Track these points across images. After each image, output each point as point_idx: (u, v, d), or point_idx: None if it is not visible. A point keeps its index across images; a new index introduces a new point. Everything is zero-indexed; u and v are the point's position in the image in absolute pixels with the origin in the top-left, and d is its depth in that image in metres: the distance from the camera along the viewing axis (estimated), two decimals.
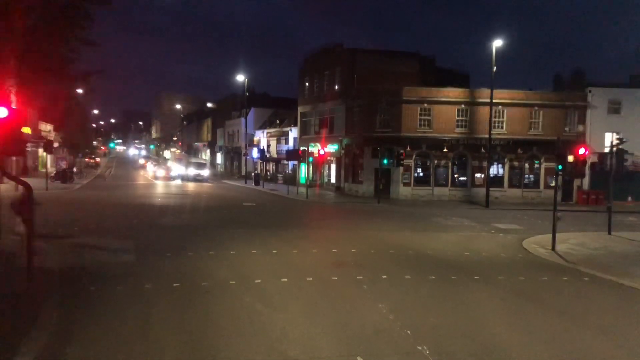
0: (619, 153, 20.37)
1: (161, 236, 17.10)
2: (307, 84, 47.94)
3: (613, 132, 33.55)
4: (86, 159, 67.84)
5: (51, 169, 43.86)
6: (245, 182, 50.55)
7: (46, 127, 58.04)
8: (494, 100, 32.96)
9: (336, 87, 42.77)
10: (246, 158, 56.56)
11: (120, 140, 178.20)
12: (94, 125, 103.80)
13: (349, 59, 41.15)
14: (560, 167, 16.89)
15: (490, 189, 33.89)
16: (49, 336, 7.34)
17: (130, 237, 16.50)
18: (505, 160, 37.30)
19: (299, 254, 14.55)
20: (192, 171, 51.64)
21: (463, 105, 36.43)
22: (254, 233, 18.20)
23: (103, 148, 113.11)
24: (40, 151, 51.83)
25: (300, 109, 48.73)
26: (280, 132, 56.73)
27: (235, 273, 11.75)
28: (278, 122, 59.14)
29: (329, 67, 43.98)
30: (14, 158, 36.79)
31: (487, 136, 33.59)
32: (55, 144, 51.11)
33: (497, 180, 36.74)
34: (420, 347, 7.39)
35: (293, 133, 52.19)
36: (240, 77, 54.19)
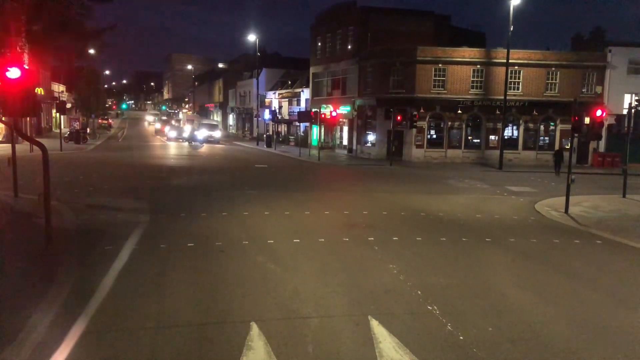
0: (637, 114, 19.96)
1: (175, 197, 17.29)
2: (319, 44, 47.12)
3: (632, 93, 32.84)
4: (99, 120, 68.06)
5: (65, 130, 44.15)
6: (257, 144, 50.55)
7: (58, 88, 58.17)
8: (510, 61, 32.24)
9: (349, 46, 42.02)
10: (258, 119, 56.36)
11: (132, 102, 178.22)
12: (106, 86, 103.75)
13: (362, 17, 40.25)
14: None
15: (504, 151, 33.56)
16: (68, 293, 7.54)
17: (144, 197, 16.71)
18: (520, 122, 36.79)
19: (311, 215, 14.66)
20: (203, 132, 51.58)
21: (478, 66, 35.70)
22: (266, 195, 18.32)
23: (114, 107, 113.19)
24: (54, 112, 52.17)
25: (312, 70, 48.09)
26: (291, 93, 56.22)
27: (248, 233, 11.90)
28: (290, 82, 58.54)
29: (341, 26, 43.10)
30: (28, 119, 37.08)
31: (502, 97, 33.02)
32: (68, 105, 51.35)
33: (511, 143, 36.35)
34: (430, 307, 7.49)
35: (305, 94, 51.71)
36: (252, 37, 53.39)
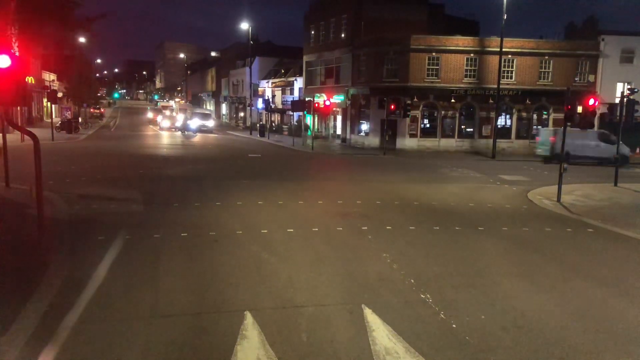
0: (629, 103, 20.04)
1: (168, 186, 17.22)
2: (312, 32, 46.85)
3: (625, 82, 32.98)
4: (91, 109, 67.49)
5: (56, 119, 43.78)
6: (250, 133, 50.38)
7: (49, 77, 57.58)
8: (503, 49, 32.24)
9: (342, 35, 41.84)
10: (251, 109, 56.14)
11: (124, 90, 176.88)
12: (97, 74, 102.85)
13: (356, 6, 40.06)
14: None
15: (498, 140, 33.67)
16: (61, 284, 7.52)
17: (137, 187, 16.63)
18: (514, 110, 36.89)
19: (305, 205, 14.66)
20: (197, 122, 51.28)
21: (472, 55, 35.69)
22: (259, 184, 18.29)
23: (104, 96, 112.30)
24: (45, 101, 51.69)
25: (305, 58, 47.86)
26: (285, 82, 55.98)
27: (241, 223, 11.89)
28: (283, 71, 58.25)
29: (335, 14, 42.87)
30: (19, 108, 36.72)
31: (495, 86, 33.06)
32: (59, 94, 50.86)
33: (504, 131, 36.50)
34: (423, 296, 7.54)
35: (298, 83, 51.52)
36: (245, 25, 53.02)
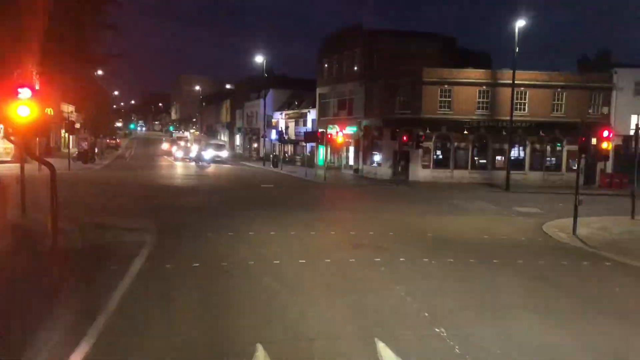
0: None
1: (181, 217, 17.30)
2: (325, 65, 47.55)
3: (639, 114, 32.80)
4: (107, 140, 68.57)
5: (73, 150, 44.51)
6: (264, 164, 50.70)
7: (68, 108, 58.73)
8: (516, 82, 32.35)
9: (355, 68, 42.37)
10: (264, 140, 56.63)
11: (141, 122, 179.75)
12: (114, 106, 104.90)
13: (369, 39, 40.65)
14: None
15: (511, 171, 33.42)
16: (74, 313, 7.52)
17: (150, 217, 16.72)
18: (527, 142, 36.74)
19: (317, 235, 14.61)
20: (211, 152, 51.66)
21: (484, 87, 35.84)
22: (272, 214, 18.30)
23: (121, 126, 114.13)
24: (62, 132, 52.63)
25: (319, 90, 48.46)
26: (298, 113, 56.54)
27: (254, 254, 11.87)
28: (296, 103, 58.91)
29: (348, 48, 43.52)
30: (37, 138, 37.44)
31: (508, 118, 33.03)
32: (77, 125, 51.78)
33: (518, 163, 36.24)
34: (437, 329, 7.41)
35: (311, 115, 52.00)
36: (259, 59, 53.97)
